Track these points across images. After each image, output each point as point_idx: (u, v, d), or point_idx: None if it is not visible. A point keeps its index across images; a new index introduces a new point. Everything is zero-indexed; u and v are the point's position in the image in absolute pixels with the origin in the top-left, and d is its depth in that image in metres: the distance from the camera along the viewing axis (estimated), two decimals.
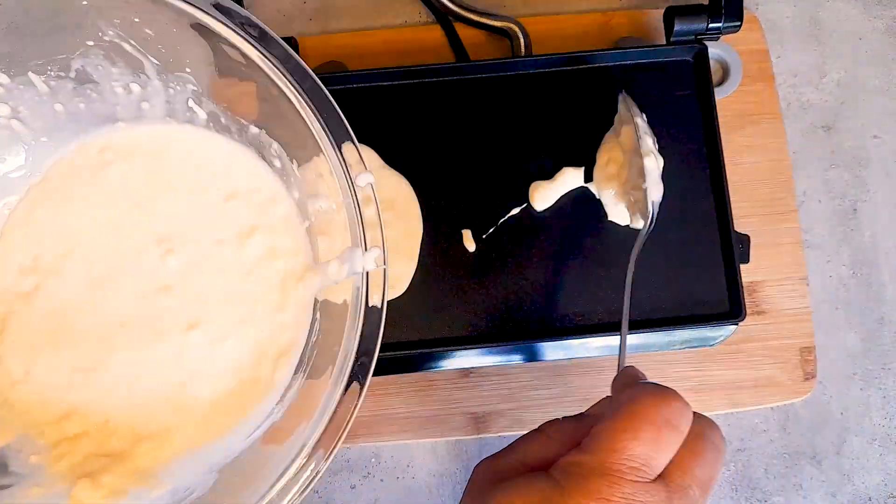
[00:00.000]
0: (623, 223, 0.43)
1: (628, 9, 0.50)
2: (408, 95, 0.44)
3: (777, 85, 0.49)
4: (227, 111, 0.36)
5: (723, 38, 0.45)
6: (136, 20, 0.32)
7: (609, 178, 0.43)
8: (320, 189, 0.33)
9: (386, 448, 0.47)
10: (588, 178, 0.43)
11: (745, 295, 0.42)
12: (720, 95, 0.47)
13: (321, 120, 0.31)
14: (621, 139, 0.43)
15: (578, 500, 0.25)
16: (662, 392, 0.28)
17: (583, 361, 0.45)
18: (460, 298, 0.42)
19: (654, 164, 0.39)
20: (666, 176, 0.40)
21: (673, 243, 0.43)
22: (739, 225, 0.45)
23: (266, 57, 0.30)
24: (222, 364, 0.35)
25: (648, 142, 0.40)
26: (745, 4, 0.43)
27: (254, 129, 0.36)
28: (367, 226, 0.31)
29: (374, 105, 0.44)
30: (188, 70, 0.34)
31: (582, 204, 0.44)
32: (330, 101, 0.31)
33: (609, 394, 0.33)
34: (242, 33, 0.30)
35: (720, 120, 0.43)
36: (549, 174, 0.43)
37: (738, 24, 0.43)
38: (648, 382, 0.30)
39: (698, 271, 0.43)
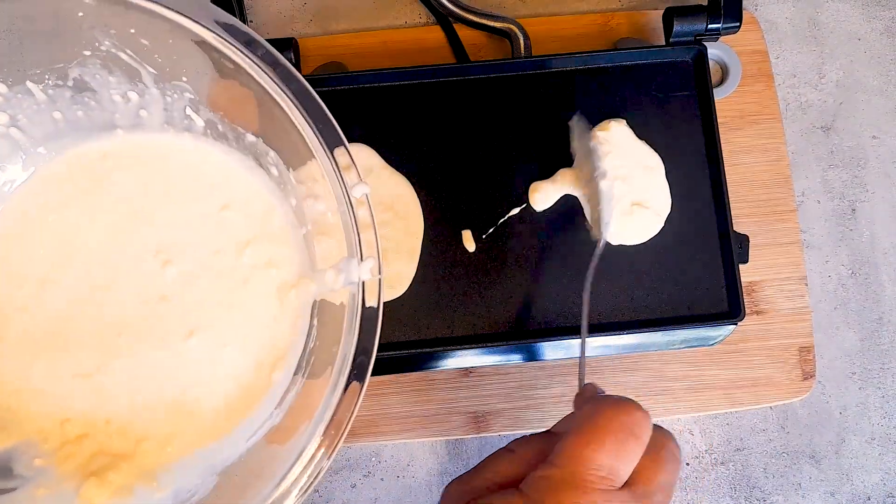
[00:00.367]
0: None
1: (628, 10, 0.51)
2: (408, 96, 0.44)
3: (776, 85, 0.49)
4: (225, 119, 0.36)
5: (722, 38, 0.45)
6: (132, 31, 0.32)
7: (582, 198, 0.44)
8: (317, 192, 0.33)
9: (386, 447, 0.48)
10: None
11: (744, 295, 0.42)
12: (719, 96, 0.47)
13: (314, 127, 0.31)
14: (579, 170, 0.44)
15: None
16: (623, 403, 0.29)
17: None
18: (460, 298, 0.42)
19: (609, 186, 0.41)
20: (665, 176, 0.40)
21: (672, 243, 0.43)
22: (738, 225, 0.45)
23: (255, 63, 0.31)
24: (221, 370, 0.35)
25: (603, 165, 0.41)
26: (744, 5, 0.43)
27: (251, 137, 0.36)
28: (362, 235, 0.31)
29: (374, 106, 0.44)
30: (185, 79, 0.34)
31: (581, 204, 0.44)
32: (322, 107, 0.31)
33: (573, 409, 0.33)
34: (233, 41, 0.30)
35: (719, 120, 0.43)
36: (548, 175, 0.44)
37: (738, 24, 0.43)
38: (609, 395, 0.31)
39: (697, 271, 0.43)
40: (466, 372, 0.46)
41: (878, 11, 0.52)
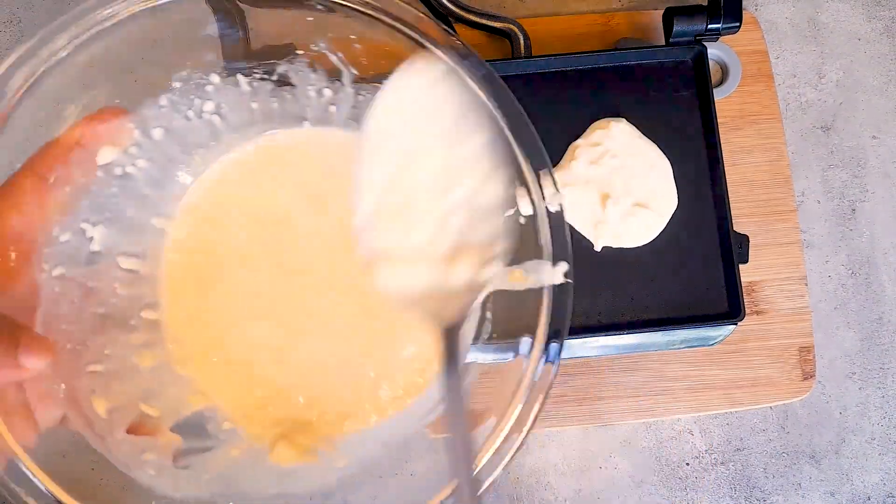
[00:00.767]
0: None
1: (627, 10, 0.51)
2: None
3: (776, 85, 0.49)
4: None
5: (722, 38, 0.45)
6: (352, 37, 0.32)
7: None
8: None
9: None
10: None
11: (744, 295, 0.42)
12: (719, 96, 0.47)
13: (522, 149, 0.31)
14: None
15: None
16: None
17: (581, 361, 0.46)
18: None
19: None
20: (672, 175, 0.40)
21: (672, 243, 0.43)
22: (738, 225, 0.45)
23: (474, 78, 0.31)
24: (401, 353, 0.36)
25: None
26: (744, 5, 0.43)
27: None
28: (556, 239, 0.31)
29: None
30: (384, 82, 0.35)
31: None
32: (533, 132, 0.31)
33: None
34: (454, 54, 0.31)
35: (719, 120, 0.43)
36: None
37: (738, 24, 0.43)
38: None
39: (697, 271, 0.43)
40: (488, 368, 0.46)
41: (878, 11, 0.52)
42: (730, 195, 0.43)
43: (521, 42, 0.47)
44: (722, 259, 0.43)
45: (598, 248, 0.42)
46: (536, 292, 0.31)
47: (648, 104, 0.44)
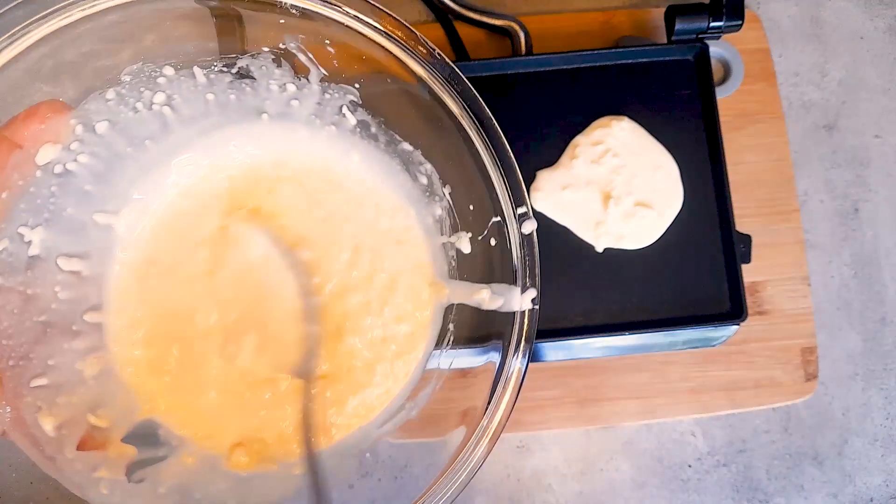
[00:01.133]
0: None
1: (629, 7, 0.50)
2: None
3: (778, 84, 0.49)
4: (383, 124, 0.36)
5: (724, 37, 0.45)
6: (326, 41, 0.32)
7: None
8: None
9: (384, 447, 0.47)
10: None
11: (747, 295, 0.42)
12: (721, 95, 0.47)
13: (503, 177, 0.31)
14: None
15: None
16: None
17: (583, 362, 0.45)
18: None
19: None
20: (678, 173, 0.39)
21: (674, 243, 0.43)
22: (741, 225, 0.45)
23: (454, 97, 0.31)
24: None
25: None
26: (746, 3, 0.43)
27: (406, 146, 0.36)
28: (527, 266, 0.31)
29: None
30: (357, 85, 0.34)
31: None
32: (509, 156, 0.32)
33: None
34: (438, 73, 0.31)
35: (721, 119, 0.43)
36: None
37: (740, 23, 0.43)
38: None
39: (700, 271, 0.42)
40: (464, 372, 0.45)
41: (880, 10, 0.52)
42: (732, 195, 0.42)
43: (522, 40, 0.47)
44: (724, 259, 0.42)
45: (599, 249, 0.42)
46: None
47: (650, 103, 0.44)
